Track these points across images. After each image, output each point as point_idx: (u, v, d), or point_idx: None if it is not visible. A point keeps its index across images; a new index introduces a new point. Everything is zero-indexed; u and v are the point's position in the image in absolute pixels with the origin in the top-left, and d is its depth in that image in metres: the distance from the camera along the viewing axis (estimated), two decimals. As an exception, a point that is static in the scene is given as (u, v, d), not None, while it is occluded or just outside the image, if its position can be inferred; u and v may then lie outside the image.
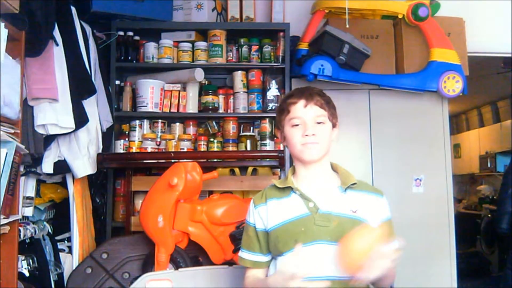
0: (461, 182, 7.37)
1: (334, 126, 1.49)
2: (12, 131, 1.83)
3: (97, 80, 2.68)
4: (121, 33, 3.02)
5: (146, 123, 3.07)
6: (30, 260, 2.13)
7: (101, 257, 2.29)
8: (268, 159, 2.81)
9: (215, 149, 3.03)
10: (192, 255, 2.29)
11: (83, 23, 2.57)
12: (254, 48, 3.14)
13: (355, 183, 1.45)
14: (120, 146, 3.00)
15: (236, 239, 2.18)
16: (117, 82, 3.05)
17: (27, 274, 2.07)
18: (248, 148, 3.05)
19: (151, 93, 2.97)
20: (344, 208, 1.41)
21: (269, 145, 3.06)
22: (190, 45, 3.10)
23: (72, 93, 2.24)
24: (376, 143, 3.06)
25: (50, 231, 2.41)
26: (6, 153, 1.76)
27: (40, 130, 2.12)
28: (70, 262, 2.46)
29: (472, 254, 5.59)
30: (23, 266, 2.07)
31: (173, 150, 2.96)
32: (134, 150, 2.98)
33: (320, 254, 1.37)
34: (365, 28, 3.03)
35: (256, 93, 3.10)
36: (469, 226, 5.89)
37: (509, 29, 3.36)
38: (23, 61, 1.95)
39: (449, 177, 3.05)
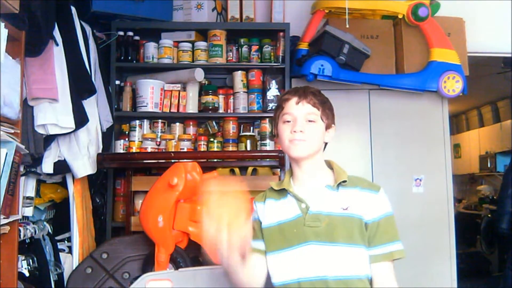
0: (461, 182, 7.37)
1: (328, 127, 1.47)
2: (12, 131, 1.83)
3: (97, 80, 2.68)
4: (121, 33, 3.02)
5: (146, 123, 3.07)
6: (30, 260, 2.13)
7: (101, 257, 2.29)
8: (268, 159, 2.81)
9: (215, 149, 3.03)
10: (192, 255, 2.29)
11: (83, 23, 2.57)
12: (254, 48, 3.14)
13: (345, 180, 1.43)
14: (120, 146, 3.00)
15: (236, 239, 2.18)
16: (117, 82, 3.05)
17: (27, 274, 2.07)
18: (248, 148, 3.05)
19: (151, 93, 2.97)
20: (335, 206, 1.40)
21: (269, 145, 3.06)
22: (190, 45, 3.10)
23: (72, 93, 2.24)
24: (376, 143, 3.06)
25: (50, 231, 2.41)
26: (6, 153, 1.76)
27: (40, 130, 2.12)
28: (70, 262, 2.46)
29: (472, 254, 5.59)
30: (23, 266, 2.07)
31: (173, 150, 2.96)
32: (134, 150, 2.97)
33: (312, 255, 1.37)
34: (365, 28, 3.03)
35: (256, 93, 3.10)
36: (469, 226, 5.89)
37: (509, 29, 3.36)
38: (23, 61, 1.95)
39: (449, 177, 3.05)
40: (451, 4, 3.19)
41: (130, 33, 3.05)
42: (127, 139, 3.03)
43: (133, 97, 3.05)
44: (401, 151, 3.06)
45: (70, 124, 2.21)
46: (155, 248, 2.19)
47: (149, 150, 2.96)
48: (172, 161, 2.60)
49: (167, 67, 3.09)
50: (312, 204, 1.41)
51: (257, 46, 3.15)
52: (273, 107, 3.04)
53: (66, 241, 2.58)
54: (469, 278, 4.67)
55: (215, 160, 2.95)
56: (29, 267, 2.10)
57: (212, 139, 3.07)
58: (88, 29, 2.63)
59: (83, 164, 2.40)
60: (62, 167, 2.33)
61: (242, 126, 3.15)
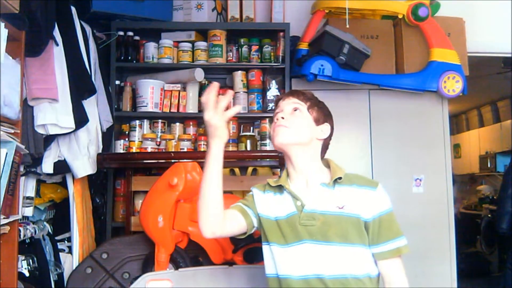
0: (461, 182, 7.37)
1: (319, 122, 1.48)
2: (12, 131, 1.83)
3: (97, 80, 2.68)
4: (121, 33, 3.02)
5: (146, 123, 3.07)
6: (30, 260, 2.13)
7: (101, 257, 2.29)
8: (268, 159, 2.81)
9: (215, 149, 3.03)
10: (192, 255, 2.29)
11: (83, 23, 2.57)
12: (254, 48, 3.14)
13: (340, 177, 1.42)
14: (120, 146, 3.00)
15: (236, 239, 2.18)
16: (117, 82, 3.05)
17: (27, 274, 2.07)
18: (248, 148, 3.05)
19: (151, 93, 2.97)
20: (330, 205, 1.40)
21: (269, 145, 3.06)
22: (190, 45, 3.10)
23: (72, 93, 2.24)
24: (376, 143, 3.06)
25: (50, 231, 2.41)
26: (6, 153, 1.76)
27: (40, 130, 2.12)
28: (70, 262, 2.46)
29: (472, 254, 5.59)
30: (23, 266, 2.07)
31: (173, 150, 2.96)
32: (134, 150, 2.97)
33: (308, 254, 1.37)
34: (365, 28, 3.03)
35: (256, 93, 3.10)
36: (469, 226, 5.89)
37: (509, 29, 3.36)
38: (23, 61, 1.95)
39: (449, 177, 3.05)
40: (451, 4, 3.19)
41: (130, 33, 3.05)
42: (127, 139, 3.03)
43: (133, 97, 3.05)
44: (401, 151, 3.06)
45: (70, 124, 2.20)
46: (155, 248, 2.19)
47: (149, 150, 2.96)
48: (172, 161, 2.60)
49: (167, 67, 3.09)
50: (307, 202, 1.41)
51: (257, 46, 3.15)
52: (273, 107, 3.03)
53: (66, 241, 2.58)
54: (469, 278, 4.67)
55: (215, 160, 2.94)
56: (29, 267, 2.10)
57: (212, 139, 3.06)
58: (88, 29, 2.63)
59: (83, 164, 2.40)
60: (62, 167, 2.33)
61: (242, 126, 3.15)
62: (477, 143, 6.84)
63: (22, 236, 2.05)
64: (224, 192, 2.64)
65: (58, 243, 2.50)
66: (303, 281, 1.36)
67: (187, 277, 1.99)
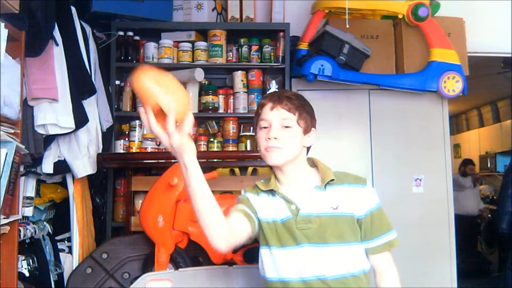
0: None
1: (307, 131, 1.43)
2: (12, 131, 1.83)
3: (97, 80, 2.68)
4: (121, 33, 3.02)
5: (146, 123, 3.06)
6: (30, 260, 2.13)
7: (101, 257, 2.29)
8: (268, 159, 2.80)
9: (215, 149, 3.03)
10: (192, 255, 2.29)
11: (83, 23, 2.57)
12: (254, 48, 3.14)
13: (333, 179, 1.41)
14: (120, 146, 3.00)
15: (236, 239, 2.18)
16: (117, 82, 3.05)
17: (27, 274, 2.07)
18: (248, 148, 3.05)
19: (151, 93, 2.96)
20: (325, 206, 1.39)
21: (269, 145, 3.06)
22: (190, 45, 3.10)
23: (72, 93, 2.24)
24: (376, 143, 3.06)
25: (50, 231, 2.41)
26: (6, 153, 1.76)
27: (40, 130, 2.12)
28: (70, 262, 2.46)
29: (472, 254, 5.59)
30: (23, 266, 2.07)
31: (173, 150, 2.95)
32: (134, 150, 2.97)
33: (307, 257, 1.36)
34: (365, 28, 3.03)
35: (256, 93, 3.10)
36: (469, 226, 5.89)
37: (509, 29, 3.37)
38: (23, 61, 1.95)
39: (449, 177, 3.05)
40: (451, 4, 3.19)
41: (130, 33, 3.05)
42: (127, 139, 3.03)
43: (133, 97, 3.05)
44: (401, 151, 3.06)
45: (70, 124, 2.20)
46: (155, 248, 2.19)
47: (149, 150, 2.96)
48: (172, 161, 2.60)
49: (167, 67, 3.08)
50: (302, 206, 1.40)
51: (257, 46, 3.15)
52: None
53: (66, 241, 2.58)
54: (469, 278, 4.67)
55: (215, 160, 2.95)
56: (29, 267, 2.10)
57: (212, 139, 3.07)
58: (88, 29, 2.63)
59: (83, 164, 2.40)
60: (62, 167, 2.34)
61: (242, 126, 3.15)
62: (477, 143, 6.85)
63: (22, 236, 2.05)
64: (224, 192, 2.66)
65: (58, 243, 2.50)
66: (303, 282, 1.36)
67: (187, 277, 1.99)
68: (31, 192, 2.25)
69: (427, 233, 2.95)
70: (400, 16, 2.96)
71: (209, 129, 3.16)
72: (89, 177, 2.61)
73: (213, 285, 1.98)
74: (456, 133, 7.51)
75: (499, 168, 6.17)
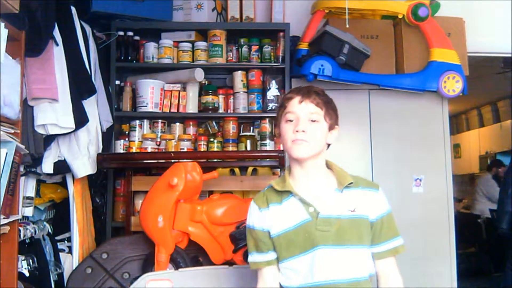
0: (461, 182, 7.37)
1: (332, 127, 1.45)
2: (12, 131, 1.83)
3: (97, 80, 2.68)
4: (121, 33, 3.02)
5: (146, 123, 3.07)
6: (30, 260, 2.13)
7: (101, 257, 2.29)
8: (268, 159, 2.81)
9: (215, 149, 3.03)
10: (192, 255, 2.29)
11: (83, 23, 2.57)
12: (254, 48, 3.13)
13: (352, 183, 1.43)
14: (120, 146, 3.00)
15: (236, 239, 2.18)
16: (117, 82, 3.05)
17: (27, 274, 2.07)
18: (248, 148, 3.05)
19: (151, 93, 2.97)
20: (343, 209, 1.40)
21: (269, 145, 3.06)
22: (190, 45, 3.10)
23: (72, 93, 2.24)
24: (376, 143, 3.06)
25: (50, 231, 2.42)
26: (6, 153, 1.76)
27: (40, 130, 2.12)
28: (70, 262, 2.46)
29: (472, 254, 5.59)
30: (23, 266, 2.07)
31: (173, 150, 2.96)
32: (134, 150, 2.97)
33: (324, 259, 1.36)
34: (365, 28, 3.03)
35: (256, 93, 3.10)
36: (469, 226, 5.89)
37: (509, 29, 3.37)
38: (23, 61, 1.95)
39: (449, 177, 3.05)
40: (451, 4, 3.19)
41: (130, 33, 3.05)
42: (127, 139, 3.03)
43: (133, 97, 3.05)
44: (401, 151, 3.06)
45: (70, 124, 2.21)
46: (155, 248, 2.19)
47: (149, 150, 2.96)
48: (172, 161, 2.60)
49: (167, 67, 3.09)
50: (321, 208, 1.39)
51: (257, 46, 3.14)
52: (273, 107, 3.04)
53: (66, 241, 2.58)
54: (469, 278, 4.67)
55: (215, 160, 2.95)
56: (29, 267, 2.10)
57: (212, 139, 3.07)
58: (88, 29, 2.63)
59: (83, 164, 2.40)
60: (62, 167, 2.34)
61: (242, 126, 3.14)
62: (477, 143, 6.85)
63: (22, 236, 2.05)
64: (224, 192, 2.66)
65: (58, 243, 2.50)
66: (318, 287, 1.35)
67: (187, 277, 1.99)
68: (31, 192, 2.25)
69: (427, 233, 2.95)
70: (400, 16, 2.96)
71: (209, 129, 3.16)
72: (89, 177, 2.61)
73: (213, 285, 1.99)
74: (456, 133, 7.51)
75: (499, 168, 6.16)
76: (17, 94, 1.85)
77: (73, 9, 2.42)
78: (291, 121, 1.42)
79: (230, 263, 2.17)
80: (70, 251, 2.50)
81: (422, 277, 2.87)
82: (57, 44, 2.20)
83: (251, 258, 1.49)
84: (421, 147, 3.05)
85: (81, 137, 2.40)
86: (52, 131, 2.15)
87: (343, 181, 1.43)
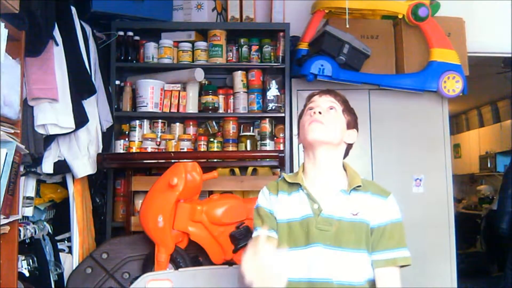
0: (461, 182, 7.37)
1: (350, 126, 1.50)
2: (12, 131, 1.83)
3: (97, 80, 2.68)
4: (121, 33, 3.02)
5: (146, 123, 3.07)
6: (30, 260, 2.13)
7: (101, 257, 2.29)
8: (268, 159, 2.81)
9: (215, 149, 3.03)
10: (192, 255, 2.29)
11: (83, 23, 2.57)
12: (254, 48, 3.13)
13: (360, 186, 1.43)
14: (120, 146, 3.00)
15: (236, 239, 2.18)
16: (117, 82, 3.05)
17: (27, 274, 2.07)
18: (248, 148, 3.05)
19: (151, 93, 2.97)
20: (346, 211, 1.40)
21: (269, 145, 3.06)
22: (190, 45, 3.10)
23: (72, 93, 2.24)
24: (376, 143, 3.06)
25: (50, 231, 2.42)
26: (6, 153, 1.76)
27: (40, 130, 2.12)
28: (70, 262, 2.47)
29: (472, 254, 5.59)
30: (23, 266, 2.07)
31: (173, 150, 2.96)
32: (134, 150, 2.97)
33: (317, 257, 1.36)
34: (365, 28, 3.03)
35: (256, 93, 3.10)
36: (469, 226, 5.89)
37: (509, 29, 3.36)
38: (23, 61, 1.95)
39: (449, 177, 3.04)
40: (451, 4, 3.19)
41: (130, 33, 3.05)
42: (127, 139, 3.03)
43: (133, 97, 3.05)
44: (401, 151, 3.05)
45: (70, 124, 2.21)
46: (155, 248, 2.19)
47: (149, 150, 2.96)
48: (172, 161, 2.60)
49: (167, 67, 3.09)
50: (325, 206, 1.40)
51: (257, 46, 3.14)
52: (273, 107, 3.05)
53: (66, 241, 2.58)
54: (469, 278, 4.67)
55: (215, 160, 2.95)
56: (29, 267, 2.10)
57: (212, 139, 3.07)
58: (88, 29, 2.64)
59: (83, 164, 2.40)
60: (62, 167, 2.34)
61: (242, 126, 3.14)
62: (477, 143, 6.84)
63: (22, 236, 2.05)
64: (224, 192, 2.66)
65: (58, 243, 2.50)
66: (310, 283, 1.35)
67: (187, 277, 1.99)
68: (31, 192, 2.25)
69: (427, 233, 2.95)
70: (400, 16, 2.96)
71: (209, 129, 3.16)
72: (89, 177, 2.61)
73: (213, 285, 1.99)
74: (456, 133, 7.50)
75: (499, 168, 6.16)
76: (17, 94, 1.85)
77: (73, 9, 2.42)
78: (311, 109, 1.47)
79: (230, 263, 2.17)
80: (70, 251, 2.50)
81: (422, 277, 2.87)
82: (57, 44, 2.20)
83: (255, 233, 1.49)
84: (421, 147, 3.05)
85: (81, 137, 2.40)
86: (52, 131, 2.15)
87: (352, 183, 1.43)
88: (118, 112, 3.02)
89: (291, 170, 2.94)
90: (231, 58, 3.14)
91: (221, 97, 3.15)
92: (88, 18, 2.70)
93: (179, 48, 3.10)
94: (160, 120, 3.10)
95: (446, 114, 3.11)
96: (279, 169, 2.95)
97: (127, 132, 3.07)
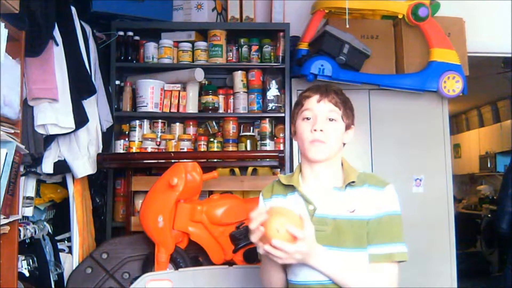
0: (461, 182, 7.37)
1: (348, 127, 1.43)
2: (12, 131, 1.83)
3: (97, 80, 2.68)
4: (121, 33, 3.02)
5: (146, 123, 3.07)
6: (30, 260, 2.13)
7: (101, 257, 2.29)
8: (268, 159, 2.81)
9: (215, 149, 3.03)
10: (192, 255, 2.29)
11: (83, 23, 2.57)
12: (254, 48, 3.14)
13: (354, 181, 1.37)
14: (120, 146, 3.00)
15: (236, 239, 2.18)
16: (117, 82, 3.05)
17: (27, 274, 2.07)
18: (248, 148, 3.05)
19: (151, 93, 2.97)
20: (342, 209, 1.34)
21: (269, 145, 3.06)
22: (190, 45, 3.10)
23: (72, 93, 2.24)
24: (376, 143, 3.06)
25: (50, 231, 2.41)
26: (6, 153, 1.76)
27: (40, 130, 2.12)
28: (70, 262, 2.46)
29: (472, 254, 5.60)
30: (23, 266, 2.07)
31: (173, 150, 2.96)
32: (134, 150, 2.98)
33: None
34: (365, 28, 3.03)
35: (256, 93, 3.10)
36: (469, 226, 5.89)
37: (509, 29, 3.37)
38: (23, 61, 1.95)
39: (449, 177, 3.05)
40: (451, 4, 3.19)
41: (130, 33, 3.05)
42: (127, 139, 3.04)
43: (133, 97, 3.05)
44: (401, 151, 3.05)
45: (70, 124, 2.21)
46: (155, 248, 2.19)
47: (149, 150, 2.96)
48: (172, 161, 2.60)
49: (167, 67, 3.09)
50: (319, 206, 1.36)
51: (257, 46, 3.15)
52: (273, 107, 3.04)
53: (66, 241, 2.58)
54: (469, 278, 4.67)
55: (215, 160, 2.95)
56: (29, 267, 2.10)
57: (212, 139, 3.07)
58: (88, 29, 2.63)
59: (83, 164, 2.40)
60: (62, 167, 2.34)
61: (242, 126, 3.15)
62: (477, 143, 6.84)
63: (22, 236, 2.05)
64: (224, 192, 2.66)
65: (58, 243, 2.50)
66: (308, 286, 1.32)
67: (187, 277, 1.99)
68: (31, 192, 2.25)
69: (427, 233, 2.95)
70: (400, 16, 2.96)
71: (209, 129, 3.16)
72: (89, 177, 2.61)
73: (213, 285, 1.98)
74: (456, 133, 7.50)
75: (499, 168, 6.16)
76: (17, 94, 1.85)
77: (73, 9, 2.42)
78: (308, 119, 1.39)
79: (230, 263, 2.17)
80: (70, 251, 2.50)
81: (422, 277, 2.87)
82: (57, 44, 2.20)
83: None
84: (421, 147, 3.05)
85: (81, 137, 2.40)
86: (52, 131, 2.14)
87: (346, 179, 1.38)
88: (118, 112, 3.02)
89: (291, 170, 2.94)
90: (231, 58, 3.14)
91: (221, 97, 3.15)
92: (88, 18, 2.70)
93: (179, 48, 3.11)
94: (160, 120, 3.10)
95: (446, 114, 3.11)
96: (279, 169, 2.95)
97: (127, 132, 3.07)
